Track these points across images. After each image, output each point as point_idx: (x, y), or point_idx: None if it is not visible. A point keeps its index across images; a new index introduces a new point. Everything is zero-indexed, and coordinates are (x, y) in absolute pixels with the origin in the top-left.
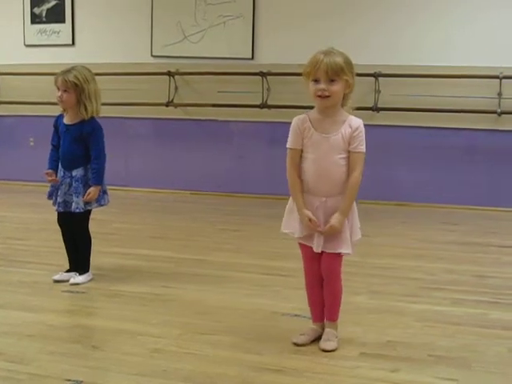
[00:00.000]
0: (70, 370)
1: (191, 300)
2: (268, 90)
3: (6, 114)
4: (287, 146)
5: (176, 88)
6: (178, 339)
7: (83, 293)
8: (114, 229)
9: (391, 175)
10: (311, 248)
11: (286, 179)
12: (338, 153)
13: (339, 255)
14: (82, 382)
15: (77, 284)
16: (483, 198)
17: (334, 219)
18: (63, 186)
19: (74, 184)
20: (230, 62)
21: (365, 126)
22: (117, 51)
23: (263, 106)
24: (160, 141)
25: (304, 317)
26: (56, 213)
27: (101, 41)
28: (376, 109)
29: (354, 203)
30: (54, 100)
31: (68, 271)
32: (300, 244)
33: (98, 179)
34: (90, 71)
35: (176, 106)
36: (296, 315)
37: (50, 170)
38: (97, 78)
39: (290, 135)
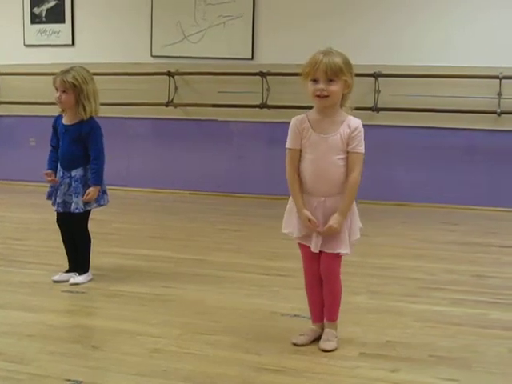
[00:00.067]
0: (70, 369)
1: (191, 300)
2: (268, 90)
3: (5, 114)
4: (286, 146)
5: (176, 88)
6: (177, 339)
7: (83, 293)
8: (114, 229)
9: (391, 175)
10: (310, 248)
11: (286, 179)
12: (337, 153)
13: (338, 255)
14: (81, 382)
15: (76, 284)
16: (483, 197)
17: (333, 220)
18: (62, 186)
19: (73, 184)
20: (229, 62)
21: (364, 126)
22: (116, 51)
23: (263, 106)
24: (160, 141)
25: (303, 317)
26: (55, 213)
27: (100, 41)
28: (376, 109)
29: (354, 203)
30: (54, 100)
31: (67, 271)
32: (299, 244)
33: (98, 179)
34: (88, 71)
35: (176, 106)
36: (295, 315)
37: (50, 171)
38: (96, 78)
39: (288, 135)
